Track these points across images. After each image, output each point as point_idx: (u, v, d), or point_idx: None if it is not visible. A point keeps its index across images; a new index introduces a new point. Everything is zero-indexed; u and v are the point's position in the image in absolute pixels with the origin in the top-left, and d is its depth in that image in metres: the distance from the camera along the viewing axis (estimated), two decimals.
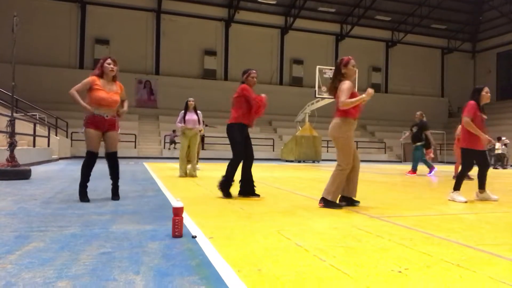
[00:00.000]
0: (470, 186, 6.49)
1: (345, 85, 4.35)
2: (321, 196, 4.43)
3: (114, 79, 4.63)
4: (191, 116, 8.52)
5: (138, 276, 1.97)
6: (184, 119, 8.49)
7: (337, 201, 4.41)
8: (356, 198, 4.55)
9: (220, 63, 28.22)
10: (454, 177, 10.21)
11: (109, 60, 4.59)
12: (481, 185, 5.35)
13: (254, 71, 5.26)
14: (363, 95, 4.29)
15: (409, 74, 32.89)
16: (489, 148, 22.46)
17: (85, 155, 4.55)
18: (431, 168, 11.03)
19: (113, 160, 4.66)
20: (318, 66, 19.56)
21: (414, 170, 10.97)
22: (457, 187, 5.21)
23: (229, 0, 27.58)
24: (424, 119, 10.96)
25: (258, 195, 5.16)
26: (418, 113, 10.91)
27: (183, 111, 8.58)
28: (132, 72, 25.91)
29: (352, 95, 4.36)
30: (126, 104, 4.85)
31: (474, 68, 35.06)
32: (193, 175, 8.53)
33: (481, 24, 32.85)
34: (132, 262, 2.19)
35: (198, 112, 8.74)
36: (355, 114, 4.41)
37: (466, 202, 5.03)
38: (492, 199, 5.29)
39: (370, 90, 4.30)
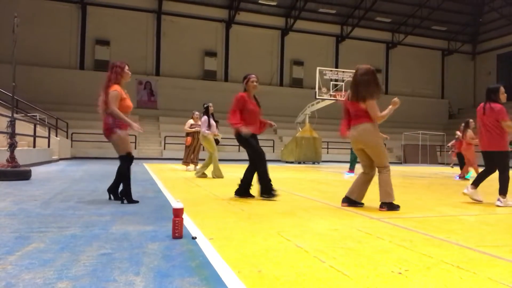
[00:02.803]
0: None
1: (373, 100, 4.47)
2: (380, 203, 4.45)
3: None
4: (212, 122, 8.82)
5: (138, 277, 1.97)
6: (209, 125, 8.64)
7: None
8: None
9: (221, 64, 28.22)
10: (460, 177, 10.18)
11: (127, 67, 4.61)
12: (477, 183, 5.34)
13: (253, 76, 5.20)
14: (391, 106, 4.52)
15: (410, 76, 32.87)
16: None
17: (124, 158, 4.45)
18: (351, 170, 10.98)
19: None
20: (318, 68, 19.54)
21: (352, 169, 10.91)
22: (504, 191, 5.06)
23: (230, 1, 27.59)
24: None
25: (253, 196, 5.20)
26: None
27: (206, 117, 8.62)
28: (133, 73, 25.02)
29: None
30: None
31: (474, 70, 35.04)
32: (220, 176, 8.48)
33: (481, 25, 32.82)
34: (132, 263, 2.19)
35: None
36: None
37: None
38: (477, 199, 5.24)
39: (396, 100, 4.55)
